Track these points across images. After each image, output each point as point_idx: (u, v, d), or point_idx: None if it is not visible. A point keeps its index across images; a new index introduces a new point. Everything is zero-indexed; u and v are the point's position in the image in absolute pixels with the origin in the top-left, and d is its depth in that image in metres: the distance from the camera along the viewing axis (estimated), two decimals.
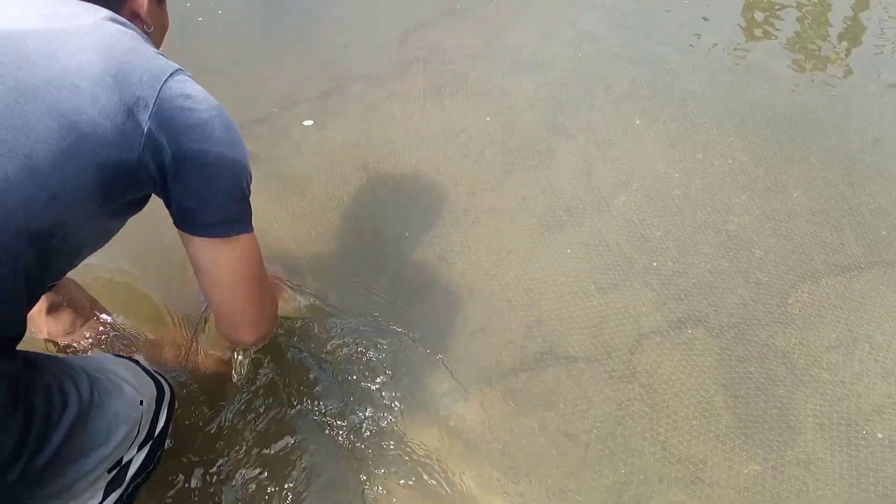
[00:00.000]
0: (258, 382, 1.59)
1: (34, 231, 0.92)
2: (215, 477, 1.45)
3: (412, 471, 1.48)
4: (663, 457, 1.50)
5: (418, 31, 2.68)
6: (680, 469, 1.49)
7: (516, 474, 1.48)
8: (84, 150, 0.94)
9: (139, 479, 1.24)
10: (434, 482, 1.46)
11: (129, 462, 1.17)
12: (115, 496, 1.15)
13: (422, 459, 1.50)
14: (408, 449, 1.51)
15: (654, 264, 1.86)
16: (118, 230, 1.17)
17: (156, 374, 1.30)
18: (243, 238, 1.17)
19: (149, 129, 1.00)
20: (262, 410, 1.55)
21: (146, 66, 1.01)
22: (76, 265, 1.13)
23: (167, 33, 1.32)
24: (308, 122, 2.30)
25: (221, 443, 1.50)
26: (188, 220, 1.12)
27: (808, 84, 2.39)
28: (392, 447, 1.51)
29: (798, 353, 1.67)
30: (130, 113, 0.98)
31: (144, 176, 1.04)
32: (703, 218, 1.97)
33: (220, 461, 1.47)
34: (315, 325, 1.71)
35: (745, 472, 1.48)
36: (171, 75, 1.03)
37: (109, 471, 1.12)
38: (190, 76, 1.09)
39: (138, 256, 1.85)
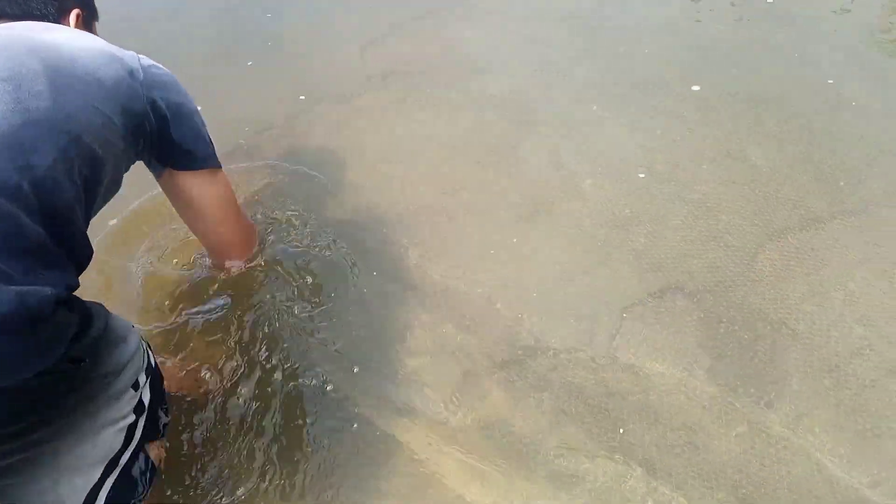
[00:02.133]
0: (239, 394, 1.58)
1: (88, 146, 1.10)
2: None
3: (415, 472, 1.47)
4: (655, 427, 1.50)
5: (376, 45, 2.68)
6: (673, 437, 1.48)
7: (518, 459, 1.47)
8: (115, 96, 1.18)
9: (149, 415, 1.28)
10: (430, 475, 1.45)
11: (143, 386, 1.25)
12: (141, 421, 1.24)
13: (417, 457, 1.49)
14: (409, 450, 1.50)
15: (627, 241, 1.86)
16: (118, 187, 1.32)
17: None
18: (221, 172, 1.51)
19: (146, 88, 1.26)
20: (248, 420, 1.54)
21: (118, 51, 1.25)
22: (100, 203, 1.26)
23: None
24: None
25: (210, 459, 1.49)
26: (190, 159, 1.41)
27: (762, 54, 2.41)
28: (394, 452, 1.50)
29: (773, 309, 1.67)
30: (133, 76, 1.24)
31: (147, 125, 1.28)
32: (669, 191, 1.98)
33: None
34: (297, 343, 1.70)
35: (736, 433, 1.48)
36: (135, 54, 1.29)
37: (133, 388, 1.21)
38: None
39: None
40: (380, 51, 2.65)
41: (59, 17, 1.37)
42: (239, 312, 1.70)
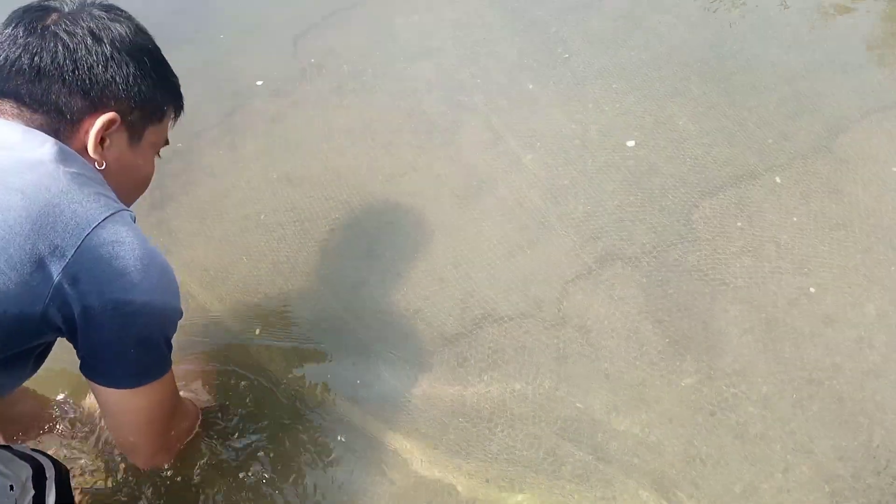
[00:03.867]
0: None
1: None
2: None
3: (369, 457, 1.45)
4: (608, 388, 1.51)
5: (308, 36, 2.61)
6: (624, 395, 1.49)
7: (473, 442, 1.46)
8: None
9: None
10: (389, 463, 1.44)
11: None
12: None
13: (376, 440, 1.46)
14: (364, 442, 1.48)
15: (567, 212, 1.86)
16: (22, 378, 1.06)
17: (32, 454, 1.14)
18: (154, 385, 1.08)
19: (59, 282, 0.90)
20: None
21: (77, 210, 0.92)
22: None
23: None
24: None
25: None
26: (95, 371, 1.04)
27: (680, 21, 2.42)
28: (348, 436, 1.48)
29: (710, 266, 1.69)
30: (41, 264, 0.89)
31: (46, 328, 0.94)
32: (604, 159, 1.98)
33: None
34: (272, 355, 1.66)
35: (682, 385, 1.49)
36: (102, 221, 0.94)
37: None
38: (129, 219, 1.00)
39: None
40: (311, 43, 2.58)
41: (80, 118, 1.03)
42: None
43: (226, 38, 2.65)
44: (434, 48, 2.47)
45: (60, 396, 1.52)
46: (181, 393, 1.31)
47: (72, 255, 0.90)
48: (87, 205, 0.94)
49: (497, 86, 2.29)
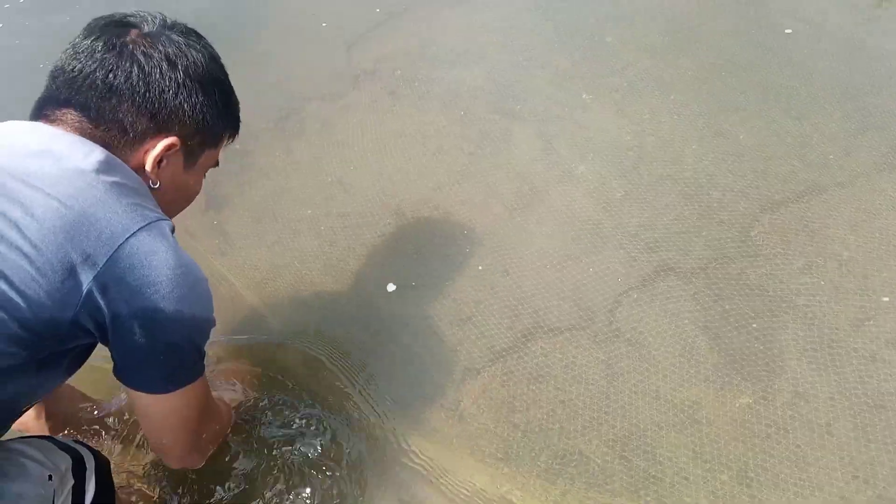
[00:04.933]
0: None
1: None
2: None
3: (416, 472, 1.43)
4: (657, 406, 1.47)
5: (359, 44, 2.64)
6: (675, 414, 1.45)
7: (517, 454, 1.44)
8: (8, 306, 0.87)
9: None
10: (438, 481, 1.42)
11: None
12: None
13: (424, 461, 1.45)
14: (411, 451, 1.47)
15: (621, 224, 1.83)
16: (56, 380, 1.06)
17: (73, 446, 1.15)
18: (185, 390, 1.08)
19: (89, 291, 0.91)
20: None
21: (112, 220, 0.92)
22: (20, 413, 1.04)
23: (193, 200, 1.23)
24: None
25: None
26: (127, 376, 1.03)
27: (734, 34, 2.37)
28: (396, 450, 1.47)
29: (770, 283, 1.64)
30: (73, 272, 0.89)
31: (79, 332, 0.95)
32: (660, 172, 1.94)
33: None
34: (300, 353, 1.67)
35: (737, 405, 1.45)
36: (137, 232, 0.94)
37: None
38: (165, 230, 0.99)
39: None
40: (363, 50, 2.61)
41: (142, 138, 1.04)
42: None
43: (282, 45, 2.70)
44: (483, 56, 2.47)
45: (104, 396, 1.55)
46: (214, 393, 1.32)
47: (103, 265, 0.91)
48: (123, 215, 0.94)
49: (547, 95, 2.27)
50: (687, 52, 2.32)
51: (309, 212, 2.01)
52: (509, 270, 1.78)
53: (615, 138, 2.06)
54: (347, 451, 1.45)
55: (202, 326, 1.07)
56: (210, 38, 1.15)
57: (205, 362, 1.13)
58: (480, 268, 1.79)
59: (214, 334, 1.13)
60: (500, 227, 1.89)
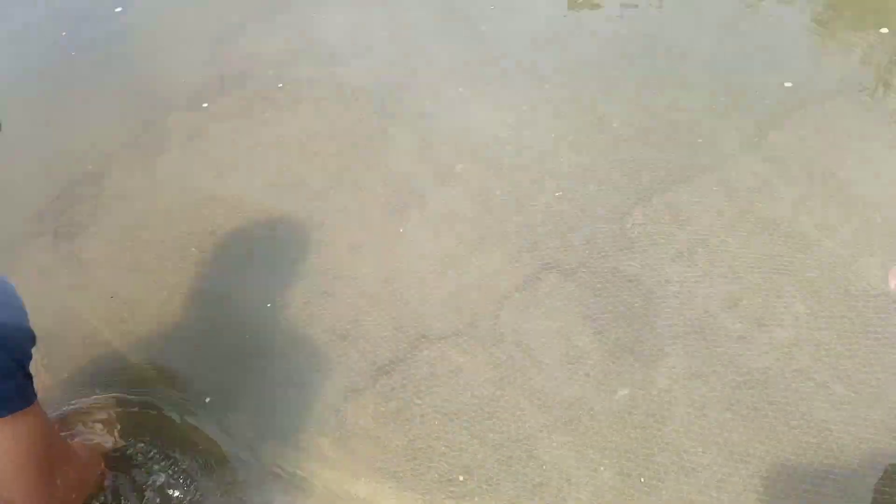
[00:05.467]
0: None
1: None
2: None
3: (298, 496, 1.36)
4: (543, 406, 1.46)
5: (229, 42, 2.48)
6: (560, 413, 1.45)
7: (407, 473, 1.40)
8: None
9: None
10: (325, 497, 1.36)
11: None
12: None
13: (307, 485, 1.38)
14: (295, 475, 1.40)
15: (500, 223, 1.81)
16: None
17: None
18: (16, 418, 0.95)
19: None
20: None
21: None
22: None
23: None
24: None
25: None
26: None
27: (610, 20, 2.39)
28: (272, 479, 1.39)
29: (645, 273, 1.66)
30: None
31: None
32: (538, 168, 1.93)
33: None
34: (178, 372, 1.55)
35: (617, 398, 1.46)
36: None
37: None
38: None
39: None
40: (232, 50, 2.46)
41: None
42: None
43: (135, 46, 2.50)
44: (361, 54, 2.38)
45: None
46: (76, 440, 1.19)
47: None
48: None
49: (426, 91, 2.22)
50: (567, 45, 2.33)
51: (175, 232, 1.87)
52: (390, 278, 1.72)
53: (492, 134, 2.04)
54: (221, 491, 1.36)
55: (16, 337, 0.96)
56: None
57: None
58: (359, 278, 1.73)
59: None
60: (379, 233, 1.82)
